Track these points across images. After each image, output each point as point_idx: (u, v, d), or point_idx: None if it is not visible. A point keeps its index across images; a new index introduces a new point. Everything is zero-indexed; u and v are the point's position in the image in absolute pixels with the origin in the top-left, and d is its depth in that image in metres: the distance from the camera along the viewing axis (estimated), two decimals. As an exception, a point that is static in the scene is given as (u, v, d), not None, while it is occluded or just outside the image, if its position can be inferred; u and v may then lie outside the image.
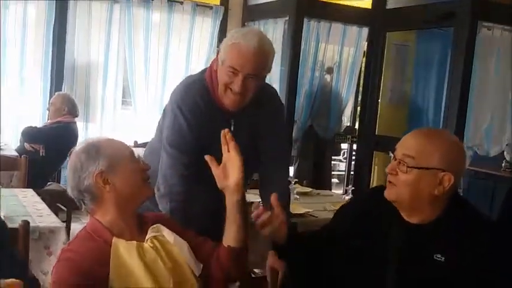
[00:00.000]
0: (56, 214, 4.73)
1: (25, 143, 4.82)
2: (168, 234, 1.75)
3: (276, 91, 2.50)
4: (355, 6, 5.90)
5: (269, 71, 2.24)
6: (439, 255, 1.69)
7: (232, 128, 2.17)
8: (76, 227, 4.25)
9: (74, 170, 1.69)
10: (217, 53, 2.20)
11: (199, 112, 2.21)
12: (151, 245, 1.70)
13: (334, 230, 1.94)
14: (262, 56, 2.14)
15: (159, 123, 2.43)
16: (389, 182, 1.75)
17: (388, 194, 1.76)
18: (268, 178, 2.40)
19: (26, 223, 2.45)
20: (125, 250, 1.64)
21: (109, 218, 1.70)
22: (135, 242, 1.68)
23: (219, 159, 2.13)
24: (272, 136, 2.36)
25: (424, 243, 1.73)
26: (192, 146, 2.20)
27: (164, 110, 2.37)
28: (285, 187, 2.49)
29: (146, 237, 1.72)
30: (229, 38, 2.16)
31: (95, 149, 1.69)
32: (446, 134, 1.83)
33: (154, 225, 1.76)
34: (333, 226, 1.99)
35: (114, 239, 1.65)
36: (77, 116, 5.04)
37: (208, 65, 2.31)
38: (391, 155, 1.78)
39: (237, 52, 2.11)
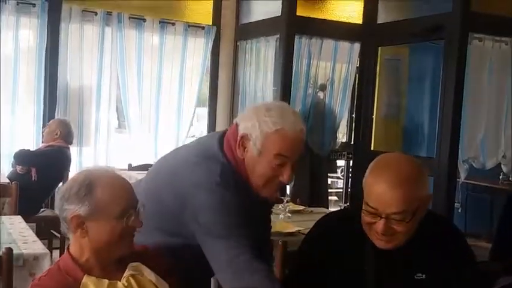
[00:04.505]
0: (51, 241, 4.72)
1: (17, 166, 4.77)
2: (148, 274, 1.69)
3: None
4: (346, 22, 5.88)
5: None
6: (419, 274, 1.68)
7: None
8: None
9: (62, 195, 1.62)
10: (240, 140, 1.88)
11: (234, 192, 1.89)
12: (126, 284, 1.64)
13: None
14: (304, 136, 1.93)
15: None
16: (384, 235, 1.65)
17: (386, 246, 1.67)
18: None
19: (9, 250, 2.39)
20: None
21: (83, 257, 1.64)
22: (106, 280, 1.61)
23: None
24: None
25: (402, 266, 1.70)
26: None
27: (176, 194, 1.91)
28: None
29: (124, 275, 1.65)
30: (263, 124, 1.84)
31: (86, 189, 1.60)
32: (406, 165, 1.68)
33: (135, 263, 1.69)
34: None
35: (85, 278, 1.59)
36: (70, 144, 4.95)
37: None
38: (366, 210, 1.66)
39: (285, 141, 1.85)
